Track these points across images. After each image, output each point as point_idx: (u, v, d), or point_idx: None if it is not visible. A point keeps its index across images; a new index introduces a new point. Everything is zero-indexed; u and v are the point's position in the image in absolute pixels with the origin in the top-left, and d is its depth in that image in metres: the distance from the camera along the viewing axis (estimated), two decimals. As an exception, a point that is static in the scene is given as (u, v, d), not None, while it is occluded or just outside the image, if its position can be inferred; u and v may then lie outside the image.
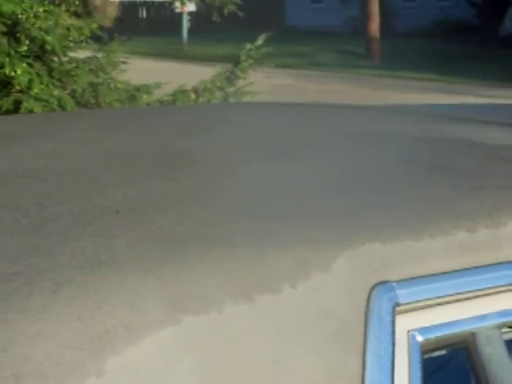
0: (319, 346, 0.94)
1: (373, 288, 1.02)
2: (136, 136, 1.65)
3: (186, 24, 25.50)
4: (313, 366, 0.93)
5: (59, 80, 6.38)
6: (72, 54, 6.51)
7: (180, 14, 26.44)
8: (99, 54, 6.76)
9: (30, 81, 6.00)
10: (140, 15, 33.40)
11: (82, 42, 6.55)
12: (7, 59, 5.59)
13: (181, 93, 7.03)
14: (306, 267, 0.99)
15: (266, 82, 10.21)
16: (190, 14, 24.41)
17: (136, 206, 1.15)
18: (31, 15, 5.38)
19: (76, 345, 0.82)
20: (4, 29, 5.42)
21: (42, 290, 0.88)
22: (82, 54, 6.67)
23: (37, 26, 5.53)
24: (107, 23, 7.09)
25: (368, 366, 0.97)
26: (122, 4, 31.33)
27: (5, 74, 5.76)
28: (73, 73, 6.41)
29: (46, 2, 5.75)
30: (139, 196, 1.20)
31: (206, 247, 1.02)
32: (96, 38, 6.85)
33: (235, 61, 7.19)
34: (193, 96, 7.07)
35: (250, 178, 1.30)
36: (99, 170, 1.36)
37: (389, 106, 2.32)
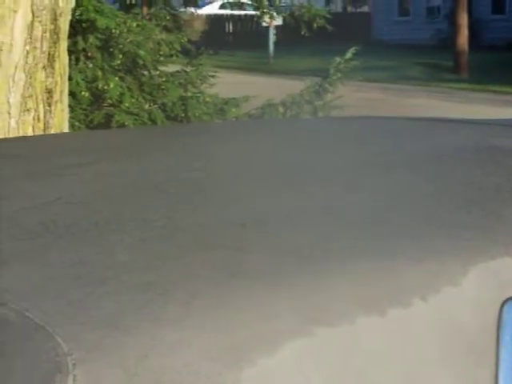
0: (451, 360, 0.92)
1: (504, 302, 0.99)
2: (252, 149, 1.65)
3: (272, 38, 25.60)
4: (445, 380, 0.91)
5: (149, 94, 6.46)
6: (162, 68, 6.59)
7: (265, 28, 26.57)
8: (188, 68, 6.82)
9: (121, 94, 6.09)
10: (226, 29, 33.70)
11: (172, 56, 6.62)
12: (100, 73, 5.68)
13: (269, 106, 7.04)
14: (435, 280, 0.97)
15: (354, 96, 10.15)
16: (276, 27, 24.52)
17: (262, 219, 1.15)
18: (125, 30, 5.46)
19: (212, 355, 0.82)
20: (98, 43, 5.51)
21: (177, 300, 0.89)
22: (170, 68, 6.75)
23: (129, 40, 5.60)
24: (194, 37, 7.15)
25: (501, 381, 0.94)
26: (208, 18, 31.65)
27: (97, 87, 5.86)
28: (163, 87, 6.48)
29: (139, 17, 5.83)
30: (265, 209, 1.20)
31: (336, 260, 1.00)
32: (184, 52, 6.92)
33: (322, 74, 7.18)
34: (281, 109, 7.07)
35: (373, 191, 1.28)
36: (222, 183, 1.36)
37: (493, 121, 2.28)
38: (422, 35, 29.31)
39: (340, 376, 0.86)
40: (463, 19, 22.42)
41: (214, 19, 32.67)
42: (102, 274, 0.96)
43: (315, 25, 7.55)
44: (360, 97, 13.20)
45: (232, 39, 32.03)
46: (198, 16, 21.80)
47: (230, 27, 34.23)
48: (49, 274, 0.97)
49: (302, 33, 7.77)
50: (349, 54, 7.07)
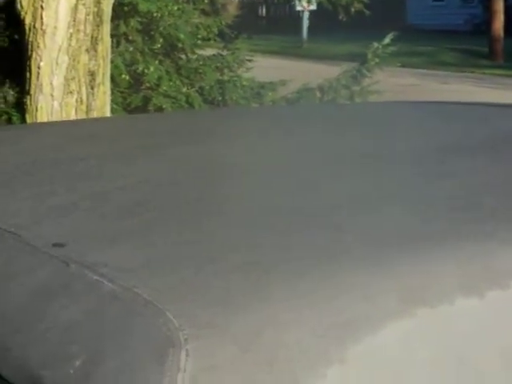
0: None
1: None
2: (324, 134, 1.66)
3: (306, 22, 25.53)
4: None
5: (187, 77, 6.47)
6: (199, 52, 6.60)
7: (298, 13, 26.48)
8: (224, 52, 6.83)
9: (159, 78, 6.11)
10: (259, 13, 33.64)
11: (209, 39, 6.63)
12: (140, 56, 5.70)
13: (306, 91, 7.03)
14: None
15: (389, 82, 10.10)
16: (310, 12, 24.44)
17: (356, 201, 1.16)
18: (166, 13, 5.47)
19: (320, 333, 0.84)
20: (139, 27, 5.53)
21: (283, 280, 0.90)
22: (205, 51, 6.76)
23: (169, 23, 5.61)
24: (228, 21, 7.14)
25: None
26: (241, 2, 31.61)
27: (135, 70, 5.88)
28: (200, 70, 6.49)
29: (180, 0, 5.84)
30: (355, 192, 1.21)
31: (435, 241, 1.01)
32: (219, 36, 6.92)
33: (356, 60, 7.16)
34: (318, 94, 7.06)
35: (461, 175, 1.29)
36: (307, 166, 1.37)
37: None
38: (455, 20, 29.09)
39: (441, 356, 0.87)
40: (499, 5, 22.22)
41: (247, 3, 32.60)
42: (208, 254, 0.97)
43: (353, 9, 7.52)
44: (394, 82, 13.15)
45: (265, 23, 31.95)
46: (232, 0, 21.81)
47: (264, 11, 34.14)
48: (154, 252, 0.99)
49: (340, 17, 7.74)
50: (387, 40, 7.03)
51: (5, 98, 6.09)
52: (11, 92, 6.01)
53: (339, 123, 1.82)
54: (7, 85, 5.96)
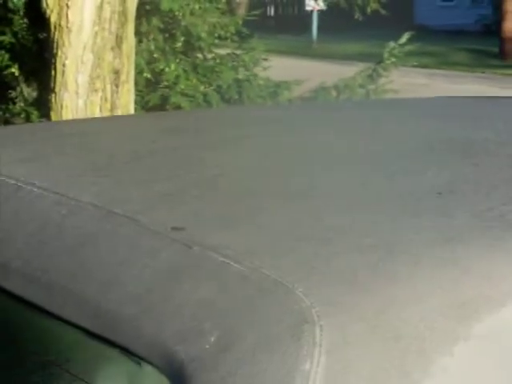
0: None
1: None
2: (419, 125, 1.69)
3: (315, 22, 25.53)
4: None
5: (204, 76, 6.50)
6: (215, 51, 6.62)
7: (306, 13, 26.49)
8: (238, 51, 6.85)
9: (177, 76, 6.14)
10: (268, 13, 33.66)
11: (227, 38, 6.65)
12: (159, 55, 5.73)
13: (322, 90, 7.05)
14: None
15: (400, 81, 10.11)
16: (318, 11, 24.45)
17: (455, 189, 1.19)
18: (187, 12, 5.50)
19: (444, 311, 0.87)
20: (161, 25, 5.56)
21: (404, 260, 0.94)
22: (220, 50, 6.78)
23: (190, 22, 5.64)
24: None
25: None
26: (250, 1, 31.64)
27: (154, 69, 5.91)
28: (217, 69, 6.52)
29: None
30: (447, 179, 1.24)
31: None
32: (236, 35, 6.93)
33: (368, 59, 7.18)
34: (334, 93, 7.08)
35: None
36: (399, 155, 1.41)
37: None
38: (465, 20, 29.06)
39: None
40: (510, 5, 22.21)
41: (255, 3, 32.64)
42: (324, 235, 1.00)
43: (369, 9, 7.54)
44: (406, 82, 13.14)
45: (274, 23, 31.97)
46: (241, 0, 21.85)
47: (272, 11, 34.16)
48: (270, 234, 1.02)
49: (355, 17, 7.77)
50: (403, 39, 7.06)
51: (23, 96, 6.13)
52: (30, 90, 6.06)
53: (410, 117, 1.85)
54: (26, 83, 6.00)
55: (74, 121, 3.20)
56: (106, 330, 0.93)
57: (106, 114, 4.17)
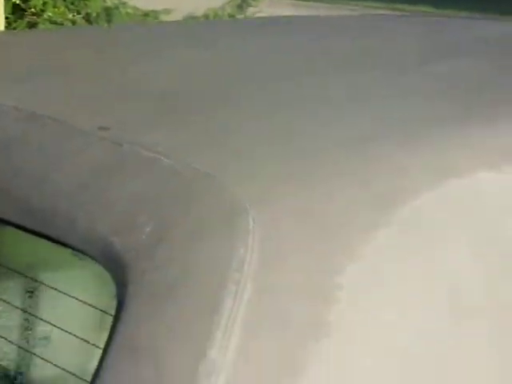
0: None
1: None
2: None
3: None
4: None
5: (72, 3, 6.37)
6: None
7: None
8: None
9: (45, 3, 6.02)
10: None
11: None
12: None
13: (192, 19, 7.02)
14: None
15: (267, 11, 10.15)
16: None
17: (378, 93, 1.27)
18: None
19: (364, 202, 0.94)
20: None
21: (324, 159, 1.01)
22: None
23: None
24: None
25: None
26: None
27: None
28: (84, -3, 6.39)
29: None
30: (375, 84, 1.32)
31: (453, 122, 1.12)
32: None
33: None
34: (203, 22, 7.06)
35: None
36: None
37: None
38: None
39: (472, 225, 0.97)
40: None
41: None
42: (249, 130, 1.08)
43: None
44: (272, 12, 13.18)
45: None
46: None
47: None
48: (198, 131, 1.07)
49: None
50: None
51: None
52: None
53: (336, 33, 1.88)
54: None
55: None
56: (42, 225, 0.96)
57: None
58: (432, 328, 0.90)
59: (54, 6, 6.19)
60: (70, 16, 6.29)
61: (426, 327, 0.90)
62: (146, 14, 6.93)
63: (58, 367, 1.07)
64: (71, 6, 6.36)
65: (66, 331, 1.07)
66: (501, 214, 0.99)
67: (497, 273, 0.96)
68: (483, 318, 0.94)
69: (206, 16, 7.11)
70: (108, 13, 6.54)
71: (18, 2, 5.46)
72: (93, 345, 1.03)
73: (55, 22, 6.13)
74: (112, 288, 0.89)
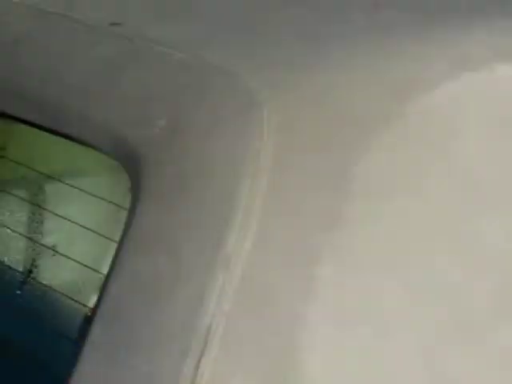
0: None
1: None
2: None
3: None
4: None
5: None
6: None
7: None
8: None
9: None
10: None
11: None
12: None
13: None
14: None
15: None
16: None
17: None
18: None
19: (381, 93, 0.92)
20: None
21: (339, 48, 0.98)
22: None
23: None
24: None
25: None
26: None
27: None
28: None
29: None
30: None
31: (477, 15, 1.09)
32: None
33: None
34: None
35: None
36: None
37: None
38: None
39: (486, 115, 0.95)
40: None
41: None
42: (263, 27, 1.04)
43: None
44: None
45: None
46: None
47: None
48: (210, 25, 1.05)
49: None
50: None
51: None
52: None
53: None
54: None
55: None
56: (54, 122, 0.95)
57: None
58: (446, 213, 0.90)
59: None
60: None
61: (441, 209, 0.90)
62: None
63: (72, 260, 1.08)
64: None
65: (80, 225, 1.08)
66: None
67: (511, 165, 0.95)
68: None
69: None
70: None
71: None
72: (107, 238, 1.03)
73: None
74: (126, 182, 0.88)
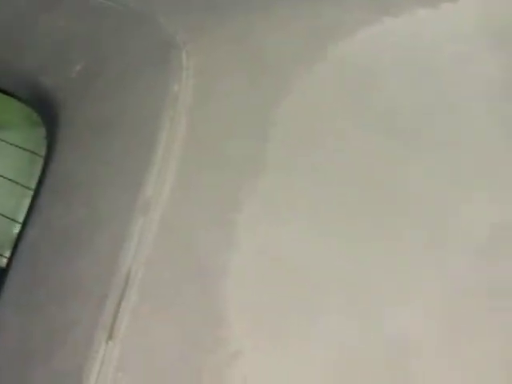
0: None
1: None
2: None
3: None
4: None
5: None
6: None
7: None
8: None
9: None
10: None
11: None
12: None
13: None
14: None
15: None
16: None
17: None
18: None
19: (302, 36, 0.91)
20: None
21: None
22: None
23: None
24: None
25: None
26: None
27: None
28: None
29: None
30: None
31: None
32: None
33: None
34: None
35: None
36: None
37: None
38: None
39: (405, 60, 0.96)
40: None
41: None
42: None
43: None
44: None
45: None
46: None
47: None
48: None
49: None
50: None
51: None
52: None
53: None
54: None
55: None
56: None
57: None
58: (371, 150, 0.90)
59: None
60: None
61: (363, 152, 0.89)
62: None
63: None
64: None
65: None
66: (437, 47, 0.98)
67: (433, 102, 0.95)
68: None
69: None
70: None
71: None
72: (24, 187, 1.01)
73: None
74: (42, 130, 0.86)
